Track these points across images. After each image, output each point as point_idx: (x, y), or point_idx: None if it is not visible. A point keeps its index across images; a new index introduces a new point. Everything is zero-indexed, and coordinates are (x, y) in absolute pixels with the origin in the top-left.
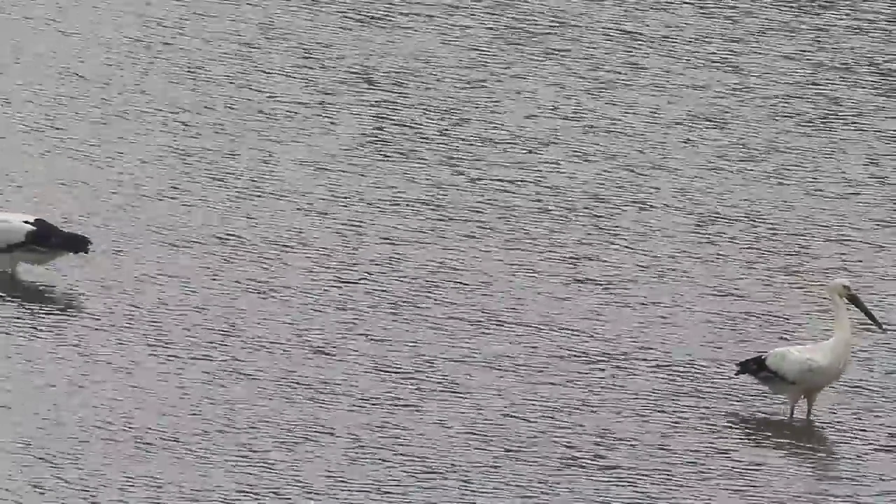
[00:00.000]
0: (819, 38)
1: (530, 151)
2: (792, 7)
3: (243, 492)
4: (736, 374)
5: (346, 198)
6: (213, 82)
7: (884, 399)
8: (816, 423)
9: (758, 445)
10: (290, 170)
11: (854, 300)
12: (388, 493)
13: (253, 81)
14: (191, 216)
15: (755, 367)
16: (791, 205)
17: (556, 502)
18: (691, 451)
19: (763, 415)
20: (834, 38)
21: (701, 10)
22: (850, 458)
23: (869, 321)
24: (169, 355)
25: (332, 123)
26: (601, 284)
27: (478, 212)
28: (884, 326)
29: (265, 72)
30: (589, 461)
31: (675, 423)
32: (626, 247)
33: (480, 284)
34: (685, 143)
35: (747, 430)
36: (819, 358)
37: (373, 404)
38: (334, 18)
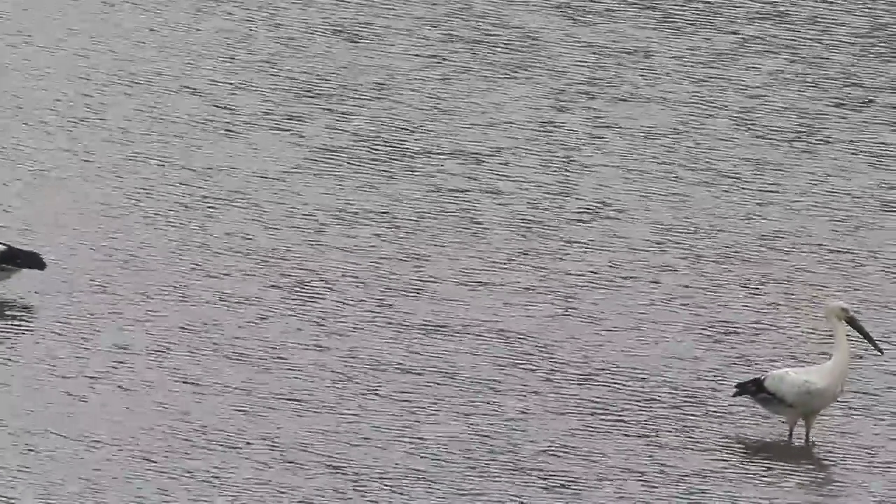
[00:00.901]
0: (794, 52)
1: (491, 162)
2: (764, 22)
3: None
4: (734, 395)
5: (304, 205)
6: (168, 91)
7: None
8: (815, 446)
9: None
10: (249, 179)
11: (852, 322)
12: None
13: (213, 91)
14: (147, 226)
15: (754, 388)
16: (759, 217)
17: None
18: (629, 458)
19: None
20: (808, 52)
21: (669, 25)
22: (845, 481)
23: (868, 344)
24: (118, 361)
25: (293, 135)
26: (557, 292)
27: (435, 220)
28: (883, 350)
29: (225, 82)
30: (533, 469)
31: (617, 429)
32: (586, 256)
33: (435, 292)
34: (649, 155)
35: (679, 440)
36: (817, 380)
37: (323, 411)
38: (298, 29)
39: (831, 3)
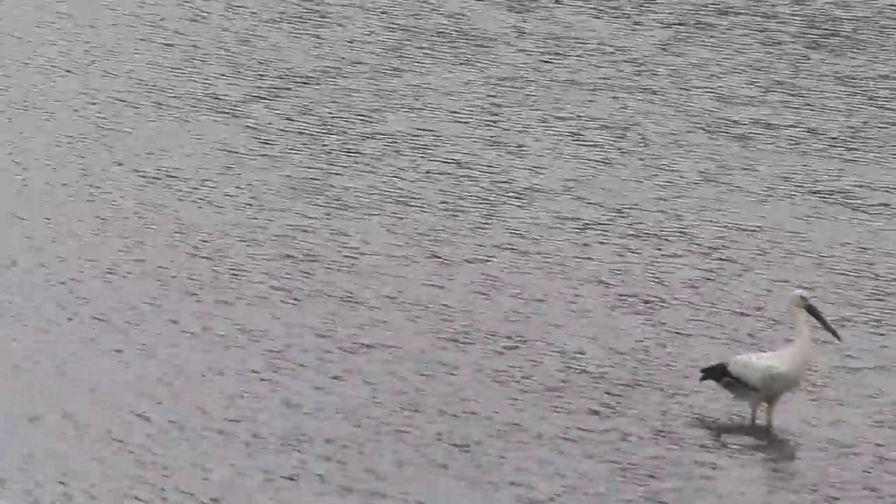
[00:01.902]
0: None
1: (429, 143)
2: (703, 13)
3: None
4: (700, 380)
5: (248, 187)
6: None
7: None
8: (775, 428)
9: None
10: (197, 164)
11: (812, 310)
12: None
13: (169, 78)
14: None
15: (719, 373)
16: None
17: (413, 483)
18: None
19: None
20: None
21: (612, 15)
22: (808, 462)
23: (827, 332)
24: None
25: (247, 125)
26: (486, 274)
27: (373, 198)
28: (842, 338)
29: (181, 69)
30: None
31: (555, 408)
32: (515, 233)
33: (373, 269)
34: (577, 138)
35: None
36: (779, 365)
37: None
38: (252, 17)
39: None
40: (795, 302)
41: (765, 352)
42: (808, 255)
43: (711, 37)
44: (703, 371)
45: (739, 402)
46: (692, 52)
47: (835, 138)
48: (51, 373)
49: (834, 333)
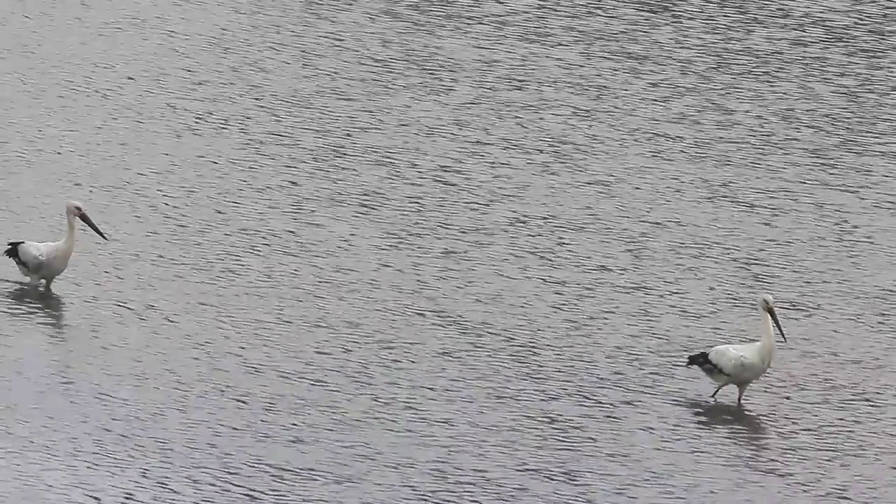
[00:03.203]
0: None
1: (397, 145)
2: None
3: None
4: (686, 366)
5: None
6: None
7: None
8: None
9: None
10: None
11: (771, 313)
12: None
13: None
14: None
15: (701, 360)
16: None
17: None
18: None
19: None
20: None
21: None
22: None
23: (778, 330)
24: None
25: (219, 128)
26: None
27: (337, 187)
28: (786, 338)
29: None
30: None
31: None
32: (435, 216)
33: (337, 251)
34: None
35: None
36: (749, 356)
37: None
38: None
39: None
40: (761, 305)
41: (739, 344)
42: (703, 247)
43: (634, 59)
44: (688, 358)
45: (714, 383)
46: (614, 72)
47: (736, 146)
48: None
49: (782, 333)
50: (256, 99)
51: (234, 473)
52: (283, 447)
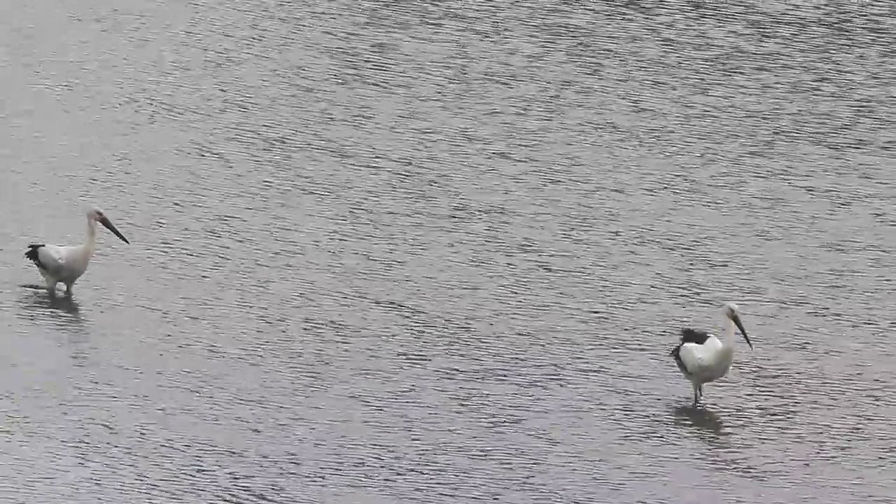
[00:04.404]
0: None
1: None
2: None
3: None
4: (670, 356)
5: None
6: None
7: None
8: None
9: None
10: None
11: (736, 320)
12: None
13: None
14: None
15: (675, 353)
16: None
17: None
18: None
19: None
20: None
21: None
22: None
23: (742, 337)
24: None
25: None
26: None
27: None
28: (752, 346)
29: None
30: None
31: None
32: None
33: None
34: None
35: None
36: (707, 358)
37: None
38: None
39: None
40: (726, 312)
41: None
42: (648, 234)
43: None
44: (671, 352)
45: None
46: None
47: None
48: None
49: (748, 341)
50: (223, 90)
51: (246, 474)
52: (287, 446)
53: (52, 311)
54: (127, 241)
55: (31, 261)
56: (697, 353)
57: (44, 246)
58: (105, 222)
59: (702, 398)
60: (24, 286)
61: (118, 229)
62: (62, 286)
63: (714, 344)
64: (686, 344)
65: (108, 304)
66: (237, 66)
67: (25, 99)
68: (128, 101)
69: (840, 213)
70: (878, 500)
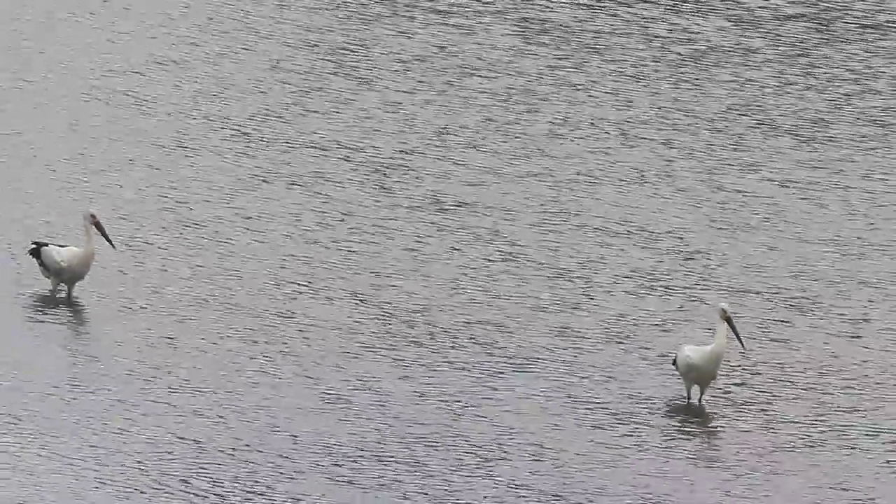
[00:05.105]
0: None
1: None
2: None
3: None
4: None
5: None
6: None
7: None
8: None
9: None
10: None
11: (729, 321)
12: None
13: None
14: None
15: (673, 359)
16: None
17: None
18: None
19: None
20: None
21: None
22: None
23: (736, 339)
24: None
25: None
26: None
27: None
28: (745, 346)
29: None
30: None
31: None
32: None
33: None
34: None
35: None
36: (696, 358)
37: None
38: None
39: None
40: (718, 313)
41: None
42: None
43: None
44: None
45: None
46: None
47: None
48: None
49: (741, 342)
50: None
51: (253, 473)
52: (290, 444)
53: (52, 312)
54: (114, 247)
55: (34, 258)
56: (687, 352)
57: (47, 245)
58: (98, 226)
59: (704, 399)
60: (24, 286)
61: (108, 234)
62: (63, 287)
63: (698, 348)
64: (682, 346)
65: (103, 304)
66: (221, 61)
67: None
68: (103, 94)
69: (812, 206)
70: (849, 489)
